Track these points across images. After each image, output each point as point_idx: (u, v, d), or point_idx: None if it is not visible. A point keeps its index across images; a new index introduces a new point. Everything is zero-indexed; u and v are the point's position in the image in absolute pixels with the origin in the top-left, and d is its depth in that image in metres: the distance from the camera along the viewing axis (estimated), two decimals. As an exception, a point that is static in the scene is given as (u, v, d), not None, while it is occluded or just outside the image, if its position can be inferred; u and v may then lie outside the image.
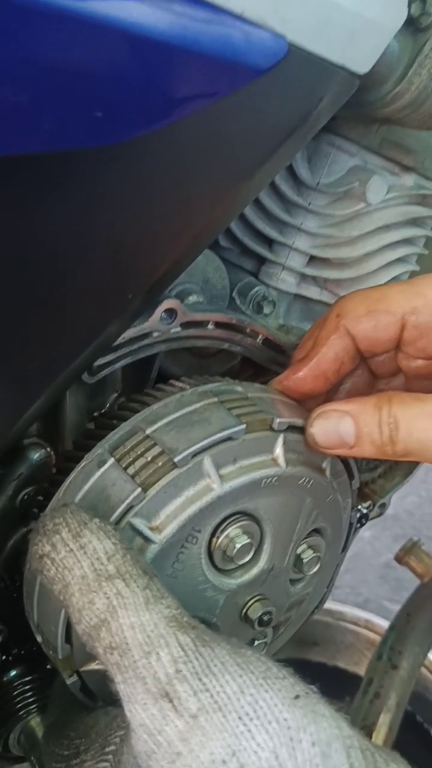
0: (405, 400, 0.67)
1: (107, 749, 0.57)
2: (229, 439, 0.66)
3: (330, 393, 0.80)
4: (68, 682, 0.68)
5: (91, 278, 0.56)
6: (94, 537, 0.56)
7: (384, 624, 1.76)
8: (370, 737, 1.30)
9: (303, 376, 0.75)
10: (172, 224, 0.59)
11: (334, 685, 1.83)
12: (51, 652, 0.68)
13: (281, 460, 0.69)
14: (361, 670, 1.73)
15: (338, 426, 0.69)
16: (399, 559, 1.44)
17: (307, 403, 0.77)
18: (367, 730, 1.30)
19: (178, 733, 0.47)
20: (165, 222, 0.58)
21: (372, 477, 1.09)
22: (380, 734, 1.31)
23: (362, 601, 2.35)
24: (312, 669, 1.78)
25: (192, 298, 0.80)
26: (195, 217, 0.60)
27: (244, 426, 0.67)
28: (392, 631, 1.42)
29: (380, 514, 1.13)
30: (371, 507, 1.11)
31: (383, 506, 1.13)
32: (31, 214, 0.49)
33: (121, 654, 0.50)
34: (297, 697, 0.48)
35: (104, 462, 0.66)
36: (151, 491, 0.63)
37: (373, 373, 0.80)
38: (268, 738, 0.46)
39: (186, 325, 0.75)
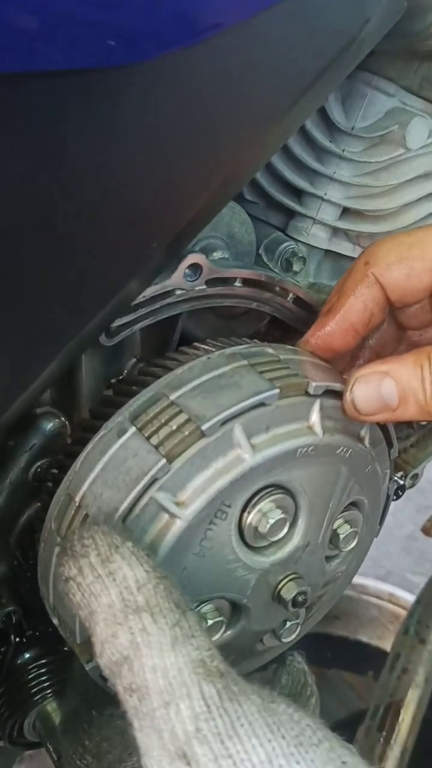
0: None
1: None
2: (261, 404, 0.61)
3: (355, 349, 0.75)
4: (87, 667, 0.63)
5: (110, 223, 0.50)
6: (125, 563, 0.51)
7: (408, 597, 1.73)
8: (398, 714, 1.26)
9: (331, 330, 0.70)
10: (198, 164, 0.53)
11: (357, 659, 1.80)
12: (68, 636, 0.63)
13: (318, 428, 0.64)
14: (384, 644, 1.70)
15: (380, 389, 0.64)
16: (426, 530, 1.40)
17: (336, 362, 0.72)
18: (395, 707, 1.26)
19: None
20: (191, 161, 0.52)
21: (404, 446, 1.04)
22: (408, 711, 1.27)
23: (385, 574, 2.31)
24: (333, 642, 1.75)
25: (217, 254, 0.75)
26: (223, 156, 0.54)
27: (277, 390, 0.62)
28: (419, 605, 1.38)
29: (413, 485, 1.08)
30: (403, 477, 1.05)
31: (416, 477, 1.08)
32: (43, 140, 0.43)
33: (140, 698, 0.46)
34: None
35: (125, 431, 0.61)
36: (177, 463, 0.59)
37: (400, 325, 0.75)
38: None
39: (212, 282, 0.70)
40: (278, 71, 0.53)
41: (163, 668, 0.46)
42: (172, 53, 0.46)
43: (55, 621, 0.65)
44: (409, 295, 0.69)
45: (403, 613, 1.58)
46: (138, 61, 0.45)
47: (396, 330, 0.75)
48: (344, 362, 0.72)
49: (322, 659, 1.68)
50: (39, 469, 0.74)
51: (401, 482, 0.82)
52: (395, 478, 0.82)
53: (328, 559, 0.74)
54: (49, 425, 0.74)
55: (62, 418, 0.75)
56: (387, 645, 1.68)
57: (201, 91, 0.48)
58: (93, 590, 0.51)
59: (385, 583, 1.81)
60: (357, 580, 1.79)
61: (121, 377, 0.77)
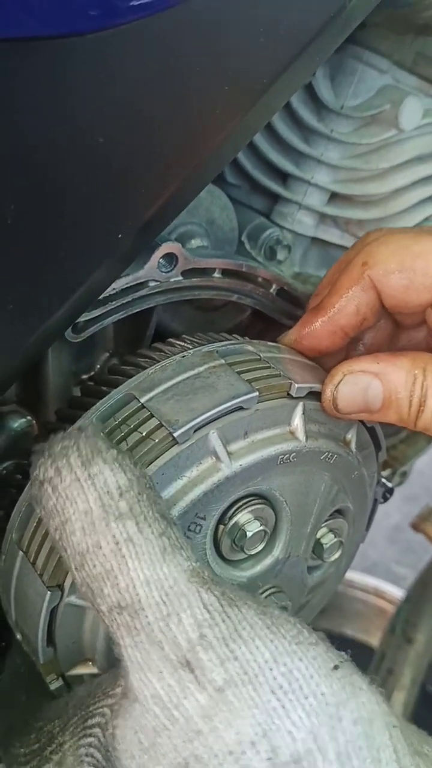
0: None
1: (91, 722, 0.49)
2: (239, 408, 0.58)
3: (347, 346, 0.70)
4: (52, 687, 0.60)
5: (68, 209, 0.45)
6: (107, 467, 0.48)
7: (394, 591, 1.71)
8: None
9: (317, 330, 0.65)
10: (169, 142, 0.48)
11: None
12: (32, 653, 0.60)
13: (300, 433, 0.61)
14: (369, 639, 1.69)
15: (366, 389, 0.61)
16: (416, 526, 1.37)
17: (323, 360, 0.68)
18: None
19: (200, 709, 0.42)
20: (160, 138, 0.47)
21: (393, 443, 1.00)
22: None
23: (370, 564, 2.30)
24: (318, 636, 1.72)
25: (195, 242, 0.71)
26: (198, 134, 0.49)
27: (256, 393, 0.58)
28: (407, 603, 1.36)
29: (401, 483, 1.05)
30: (392, 475, 1.02)
31: (404, 474, 1.05)
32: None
33: (132, 615, 0.44)
34: (336, 667, 0.43)
35: (91, 436, 0.56)
36: (147, 472, 0.53)
37: (396, 324, 0.71)
38: (305, 715, 0.41)
39: (188, 273, 0.66)
40: (258, 42, 0.48)
41: (157, 580, 0.44)
42: (141, 19, 0.41)
43: (18, 636, 0.62)
44: (404, 308, 0.64)
45: (389, 607, 1.56)
46: (104, 27, 0.40)
47: (392, 328, 0.71)
48: (334, 361, 0.68)
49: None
50: (5, 471, 0.71)
51: (389, 485, 0.78)
52: (383, 480, 0.78)
53: (311, 570, 0.71)
54: (15, 424, 0.71)
55: (29, 417, 0.71)
56: (372, 639, 1.66)
57: (171, 61, 0.44)
58: (69, 495, 0.48)
59: (371, 577, 1.79)
60: (342, 572, 1.77)
61: (91, 374, 0.73)
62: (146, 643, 0.43)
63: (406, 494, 2.43)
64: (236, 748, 0.40)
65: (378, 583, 1.76)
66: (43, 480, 0.49)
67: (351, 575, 1.76)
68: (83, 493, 0.47)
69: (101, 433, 0.51)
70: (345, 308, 0.64)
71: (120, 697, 0.46)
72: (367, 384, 0.60)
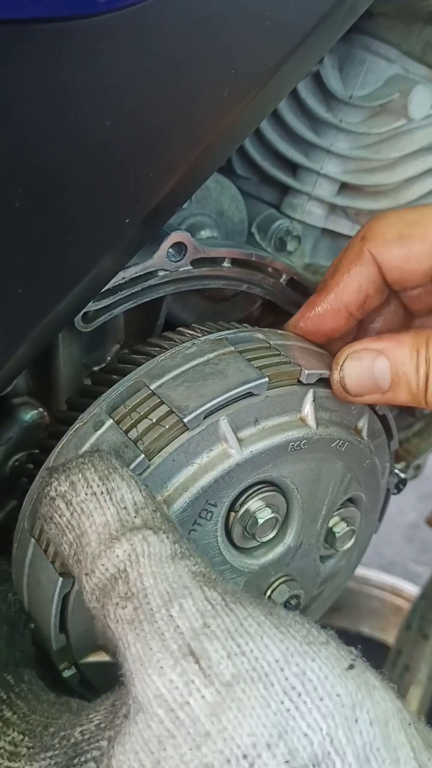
0: None
1: (84, 758, 0.46)
2: (249, 394, 0.57)
3: (359, 334, 0.71)
4: (66, 675, 0.60)
5: (78, 193, 0.46)
6: (125, 484, 0.48)
7: (410, 589, 1.70)
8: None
9: (321, 311, 0.65)
10: (173, 129, 0.48)
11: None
12: (44, 641, 0.60)
13: (311, 420, 0.61)
14: (386, 637, 1.67)
15: (373, 367, 0.60)
16: (430, 522, 1.36)
17: (332, 346, 0.68)
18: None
19: (207, 706, 0.39)
20: (164, 126, 0.47)
21: (407, 436, 1.00)
22: (411, 709, 1.23)
23: (386, 563, 2.29)
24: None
25: (204, 233, 0.71)
26: (202, 121, 0.49)
27: (266, 379, 0.58)
28: (422, 600, 1.35)
29: (415, 476, 1.04)
30: (405, 468, 1.01)
31: (418, 467, 1.04)
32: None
33: (136, 606, 0.43)
34: (350, 667, 0.41)
35: (101, 424, 0.57)
36: (157, 459, 0.55)
37: (407, 309, 0.70)
38: (320, 717, 0.39)
39: (197, 262, 0.65)
40: (262, 27, 0.48)
41: (163, 574, 0.44)
42: (145, 4, 0.41)
43: (31, 625, 0.61)
44: (407, 278, 0.64)
45: (406, 605, 1.55)
46: (109, 10, 0.40)
47: (402, 313, 0.71)
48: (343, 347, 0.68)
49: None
50: (17, 463, 0.71)
51: (402, 475, 0.78)
52: (396, 470, 0.78)
53: (323, 559, 0.70)
54: (27, 416, 0.71)
55: (41, 409, 0.71)
56: (389, 637, 1.65)
57: (177, 44, 0.44)
58: (85, 508, 0.48)
59: (388, 575, 1.78)
60: (359, 571, 1.76)
61: (103, 365, 0.73)
62: (148, 634, 0.42)
63: (422, 492, 2.42)
64: (250, 751, 0.38)
65: (395, 581, 1.75)
66: (56, 495, 0.49)
67: (367, 573, 1.76)
68: (100, 507, 0.47)
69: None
70: (347, 285, 0.64)
71: (120, 725, 0.44)
72: (372, 361, 0.60)
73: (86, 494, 0.48)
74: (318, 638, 0.42)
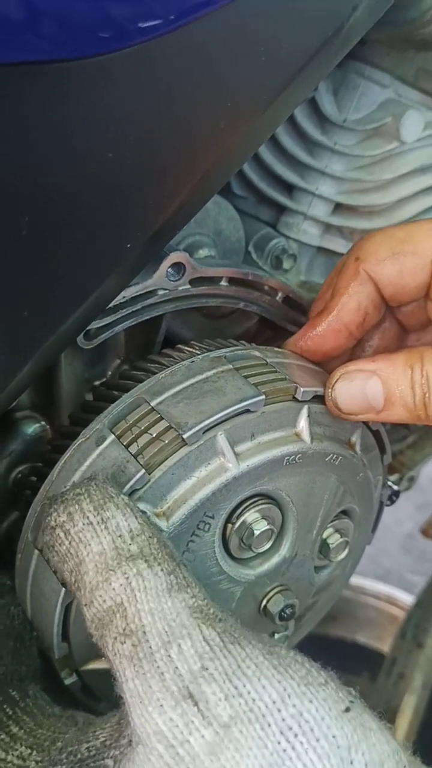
0: None
1: None
2: (246, 411, 0.59)
3: (355, 350, 0.72)
4: (67, 682, 0.61)
5: (83, 219, 0.47)
6: (119, 513, 0.49)
7: (406, 598, 1.71)
8: (394, 720, 1.24)
9: (322, 332, 0.67)
10: (175, 156, 0.50)
11: (353, 660, 1.78)
12: (47, 649, 0.61)
13: (306, 435, 0.62)
14: (382, 646, 1.68)
15: (364, 388, 0.61)
16: (425, 532, 1.37)
17: (330, 364, 0.69)
18: (391, 713, 1.24)
19: (206, 746, 0.40)
20: (166, 153, 0.49)
21: (401, 448, 1.02)
22: (405, 717, 1.25)
23: (383, 573, 2.29)
24: (330, 644, 1.72)
25: (203, 252, 0.73)
26: (203, 148, 0.51)
27: (263, 396, 0.59)
28: (417, 608, 1.36)
29: (408, 488, 1.06)
30: (399, 480, 1.03)
31: (412, 479, 1.05)
32: (6, 132, 0.40)
33: (135, 644, 0.44)
34: (347, 709, 0.42)
35: (103, 439, 0.58)
36: (157, 472, 0.56)
37: (402, 325, 0.72)
38: (316, 758, 0.39)
39: (196, 281, 0.67)
40: (260, 59, 0.50)
41: (161, 611, 0.44)
42: (147, 41, 0.43)
43: (34, 633, 0.63)
44: (403, 293, 0.66)
45: (402, 614, 1.56)
46: (113, 50, 0.42)
47: (398, 330, 0.72)
48: (343, 363, 0.70)
49: (318, 661, 1.66)
50: (20, 475, 0.72)
51: (395, 488, 0.80)
52: (389, 483, 0.79)
53: (318, 569, 0.71)
54: (29, 429, 0.72)
55: (43, 423, 0.72)
56: (385, 646, 1.66)
57: (177, 80, 0.46)
58: (82, 538, 0.49)
59: (384, 584, 1.78)
60: (355, 580, 1.77)
61: (104, 380, 0.74)
62: (147, 673, 0.42)
63: (418, 502, 2.43)
64: None
65: (391, 590, 1.75)
66: (55, 525, 0.50)
67: (363, 582, 1.77)
68: (96, 536, 0.48)
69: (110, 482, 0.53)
70: (347, 305, 0.66)
71: (125, 747, 0.45)
72: (364, 381, 0.61)
73: (83, 524, 0.49)
74: (317, 679, 0.43)
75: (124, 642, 0.44)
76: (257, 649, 0.43)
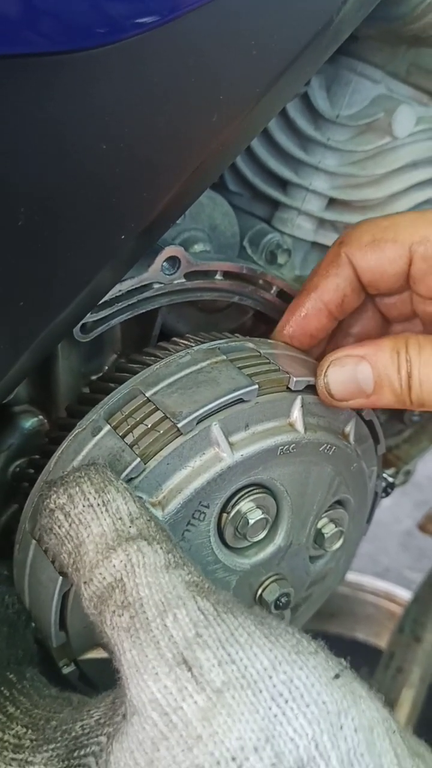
0: (421, 342, 0.61)
1: (84, 751, 0.48)
2: (239, 401, 0.59)
3: (338, 338, 0.74)
4: (65, 672, 0.62)
5: (77, 211, 0.48)
6: (120, 496, 0.50)
7: (405, 595, 1.71)
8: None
9: (305, 312, 0.69)
10: (168, 149, 0.51)
11: (352, 657, 1.78)
12: (44, 639, 0.62)
13: (299, 425, 0.63)
14: (381, 642, 1.68)
15: (355, 372, 0.62)
16: (422, 527, 1.38)
17: (314, 352, 0.71)
18: (389, 707, 1.24)
19: (198, 711, 0.41)
20: (159, 146, 0.50)
21: (396, 442, 1.02)
22: (403, 711, 1.25)
23: (382, 570, 2.30)
24: (329, 641, 1.72)
25: (198, 247, 0.73)
26: (195, 142, 0.52)
27: (256, 386, 0.60)
28: (415, 603, 1.36)
29: (405, 482, 1.07)
30: (395, 474, 1.04)
31: (408, 473, 1.06)
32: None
33: (132, 615, 0.45)
34: (336, 676, 0.42)
35: (99, 429, 0.59)
36: (152, 462, 0.57)
37: (385, 317, 0.73)
38: (306, 723, 0.40)
39: (191, 275, 0.68)
40: (250, 53, 0.50)
41: (158, 584, 0.45)
42: (140, 34, 0.44)
43: (32, 624, 0.63)
44: (381, 280, 0.67)
45: (400, 610, 1.56)
46: (106, 43, 0.43)
47: (379, 319, 0.74)
48: (323, 349, 0.71)
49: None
50: (18, 469, 0.72)
51: (390, 480, 0.80)
52: (384, 474, 0.80)
53: (313, 559, 0.72)
54: (27, 423, 0.73)
55: (41, 416, 0.73)
56: (383, 643, 1.66)
57: (169, 72, 0.46)
58: (83, 519, 0.49)
59: (382, 581, 1.79)
60: (353, 577, 1.78)
61: (101, 374, 0.75)
62: (144, 642, 0.43)
63: (417, 500, 2.44)
64: (239, 753, 0.39)
65: (389, 586, 1.76)
66: (55, 507, 0.51)
67: (362, 579, 1.77)
68: (97, 518, 0.49)
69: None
70: (326, 286, 0.67)
71: (119, 723, 0.46)
72: (354, 366, 0.62)
73: (83, 506, 0.50)
74: (307, 648, 0.44)
75: (122, 614, 0.45)
76: (249, 619, 0.44)
